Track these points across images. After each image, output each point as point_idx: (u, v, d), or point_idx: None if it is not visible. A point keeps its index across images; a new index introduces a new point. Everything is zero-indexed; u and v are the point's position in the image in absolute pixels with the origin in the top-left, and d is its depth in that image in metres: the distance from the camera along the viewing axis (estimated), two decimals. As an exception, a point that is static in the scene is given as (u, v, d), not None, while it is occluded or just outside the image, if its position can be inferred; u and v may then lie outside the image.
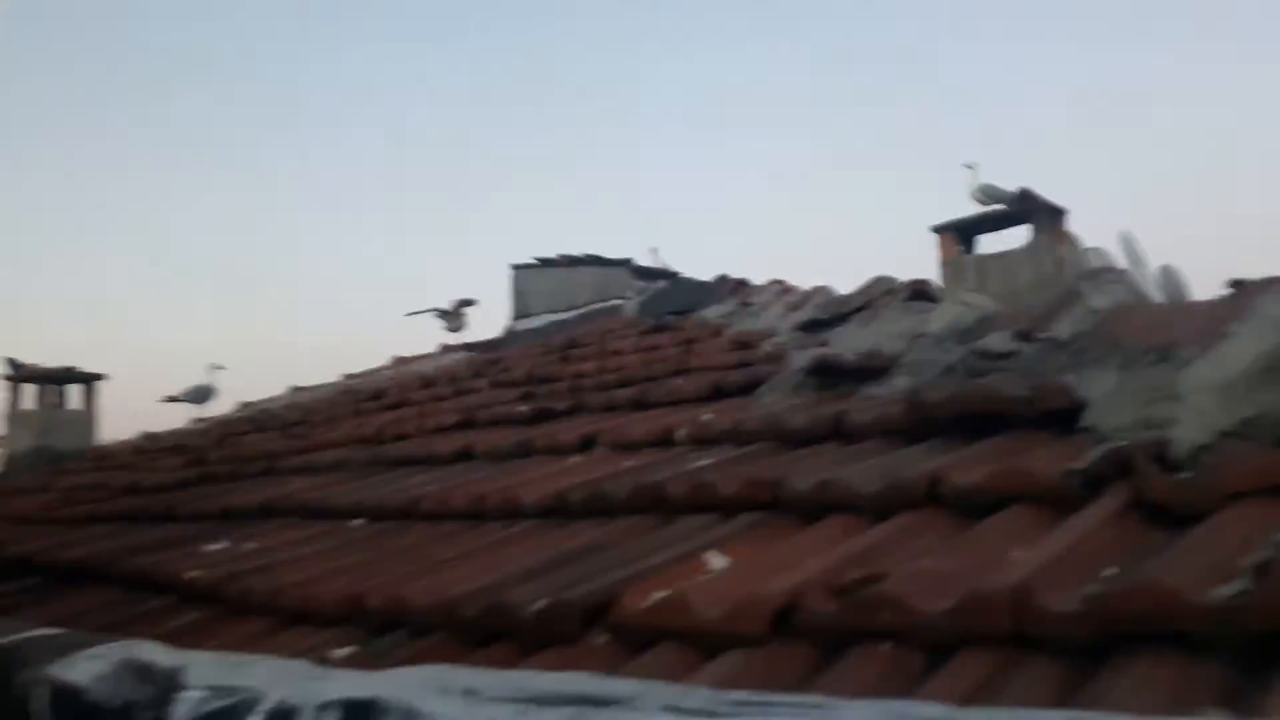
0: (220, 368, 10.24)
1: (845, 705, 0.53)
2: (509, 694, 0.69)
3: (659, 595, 1.75)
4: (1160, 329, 2.02)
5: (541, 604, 1.80)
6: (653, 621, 1.70)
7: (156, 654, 0.99)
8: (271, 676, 0.84)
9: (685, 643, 1.64)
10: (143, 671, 0.94)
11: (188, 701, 0.86)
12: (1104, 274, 2.42)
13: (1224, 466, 1.51)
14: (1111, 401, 1.89)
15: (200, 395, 10.10)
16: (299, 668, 0.92)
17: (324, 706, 0.74)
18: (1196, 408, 1.72)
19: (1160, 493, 1.53)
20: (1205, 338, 1.90)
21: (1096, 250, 9.30)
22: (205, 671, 0.91)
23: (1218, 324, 1.93)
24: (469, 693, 0.72)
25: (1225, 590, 1.16)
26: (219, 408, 9.84)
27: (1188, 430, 1.68)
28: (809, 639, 1.53)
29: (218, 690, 0.84)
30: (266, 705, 0.78)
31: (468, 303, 9.23)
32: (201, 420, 9.47)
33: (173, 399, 9.64)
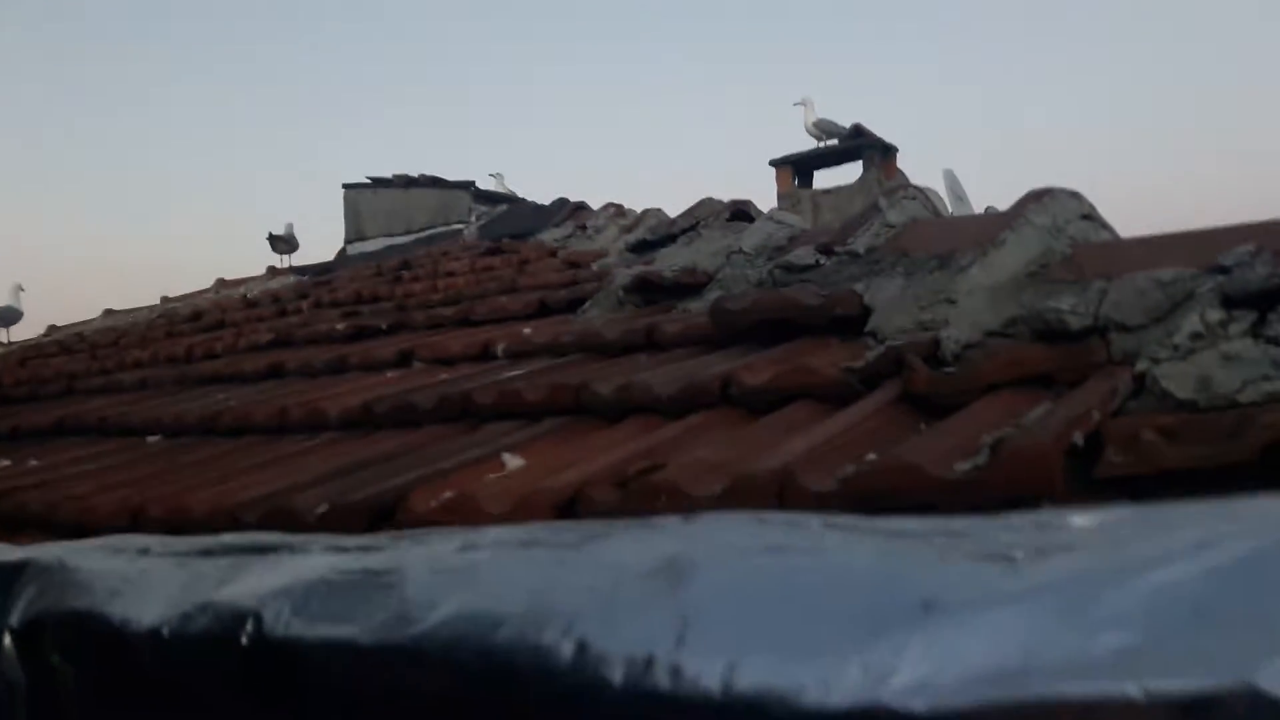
0: (23, 289, 9.50)
1: (489, 529, 0.51)
2: (180, 550, 0.65)
3: (447, 495, 1.72)
4: (944, 240, 2.10)
5: (324, 507, 1.74)
6: (439, 519, 1.66)
7: None
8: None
9: (470, 540, 1.62)
10: None
11: None
12: (901, 191, 2.50)
13: (981, 361, 1.59)
14: (893, 306, 1.97)
15: (4, 317, 9.35)
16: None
17: (-22, 571, 0.67)
18: (966, 310, 1.81)
19: (924, 385, 1.60)
20: (980, 247, 1.99)
21: (923, 186, 9.73)
22: None
23: (994, 233, 2.02)
24: (141, 551, 0.67)
25: (963, 465, 1.23)
26: (25, 331, 9.14)
27: (957, 330, 1.76)
28: (590, 530, 1.54)
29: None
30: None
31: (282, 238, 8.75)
32: (3, 344, 8.77)
33: (-33, 319, 8.88)
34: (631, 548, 0.43)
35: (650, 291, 3.23)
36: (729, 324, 2.30)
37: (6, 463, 3.12)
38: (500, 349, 3.07)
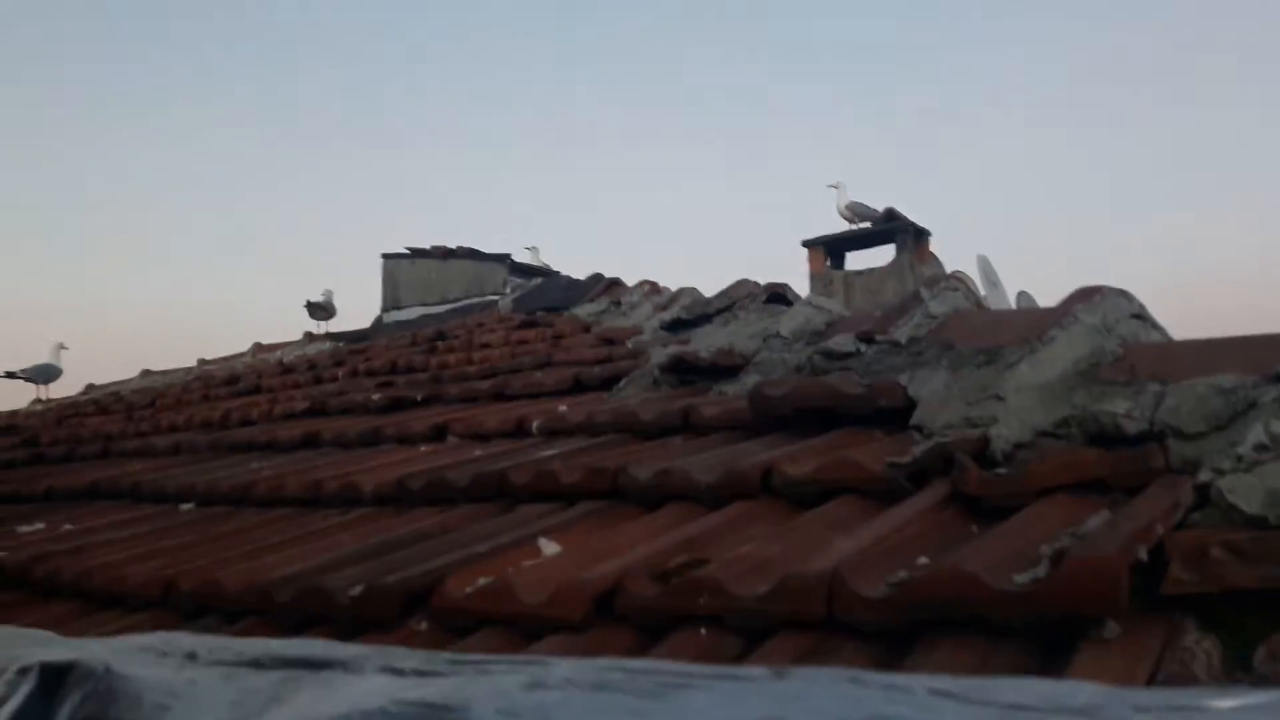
0: (65, 347, 9.66)
1: (557, 662, 0.49)
2: (228, 658, 0.63)
3: (483, 581, 1.69)
4: (989, 333, 2.08)
5: (359, 589, 1.72)
6: (474, 607, 1.64)
7: None
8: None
9: (507, 628, 1.59)
10: None
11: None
12: (943, 282, 2.49)
13: (1035, 463, 1.55)
14: (939, 400, 1.94)
15: (43, 374, 9.50)
16: (26, 634, 0.82)
17: (23, 670, 0.66)
18: (1016, 408, 1.77)
19: (975, 487, 1.57)
20: (1028, 343, 1.96)
21: (957, 271, 9.72)
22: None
23: (1041, 330, 1.99)
24: (189, 656, 0.65)
25: (1023, 576, 1.19)
26: (64, 389, 9.28)
27: (1007, 428, 1.73)
28: (630, 623, 1.50)
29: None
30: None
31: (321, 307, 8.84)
32: (42, 401, 8.90)
33: (11, 375, 9.02)
34: (718, 705, 0.41)
35: (686, 372, 3.22)
36: (768, 410, 2.28)
37: (40, 526, 3.13)
38: (535, 426, 3.05)
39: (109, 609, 2.18)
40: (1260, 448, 1.35)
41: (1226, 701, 0.34)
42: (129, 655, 0.65)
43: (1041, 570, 1.18)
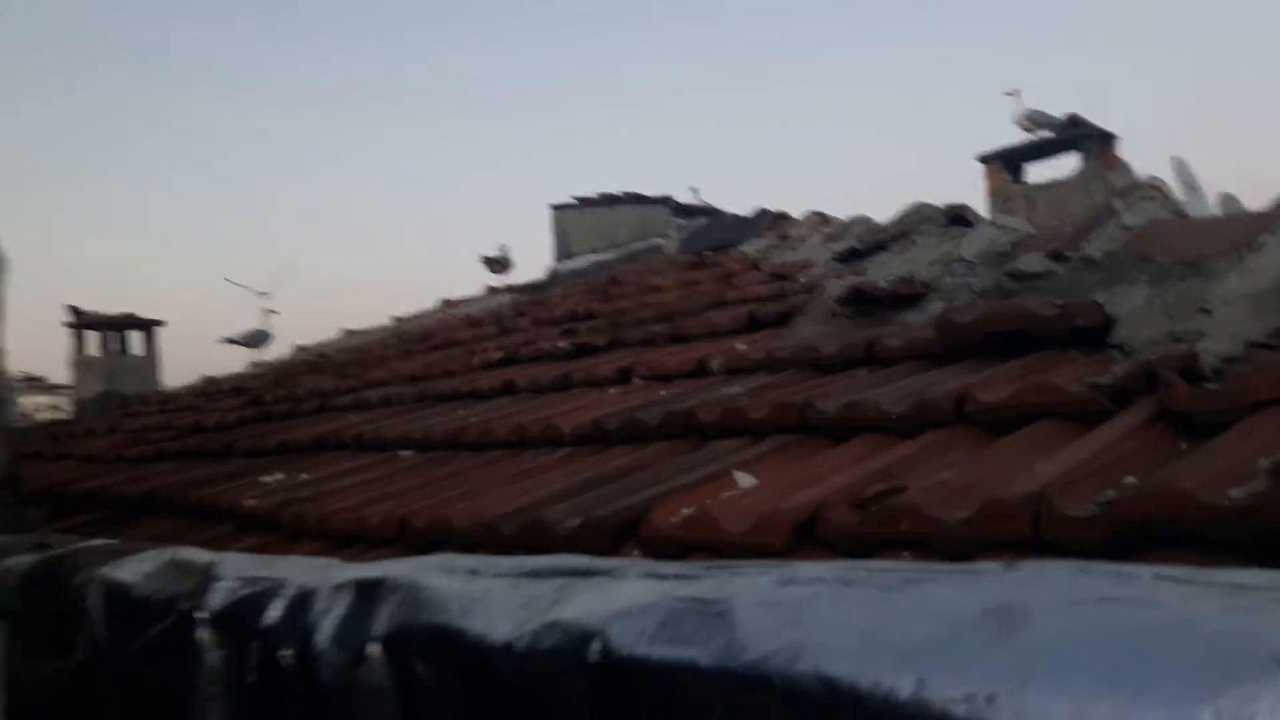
0: (274, 311, 10.49)
1: (804, 564, 0.56)
2: (507, 571, 0.74)
3: (687, 511, 1.80)
4: (1192, 243, 1.98)
5: (575, 522, 1.86)
6: (681, 535, 1.74)
7: (196, 554, 1.06)
8: (295, 568, 0.90)
9: (712, 555, 1.68)
10: (183, 567, 1.01)
11: (221, 591, 0.92)
12: (1138, 190, 2.37)
13: (1249, 376, 1.50)
14: (1140, 316, 1.88)
15: (257, 339, 10.38)
16: (322, 562, 0.97)
17: (339, 587, 0.79)
18: (1225, 320, 1.70)
19: (1184, 403, 1.53)
20: (1236, 251, 1.86)
21: (1150, 177, 9.04)
22: (238, 565, 0.97)
23: (1250, 237, 1.89)
24: (472, 572, 0.76)
25: (1240, 491, 1.17)
26: (275, 351, 10.11)
27: (1216, 342, 1.67)
28: (830, 549, 1.56)
29: (247, 580, 0.90)
30: (289, 590, 0.83)
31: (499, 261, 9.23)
32: (259, 363, 9.73)
33: (230, 341, 9.91)
34: (959, 592, 0.47)
35: (865, 303, 3.20)
36: (957, 337, 2.26)
37: (280, 476, 3.49)
38: (715, 365, 3.13)
39: (350, 547, 2.43)
40: None
41: None
42: (425, 572, 0.77)
43: (1260, 483, 1.16)
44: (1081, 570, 0.45)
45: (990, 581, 0.47)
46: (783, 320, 3.54)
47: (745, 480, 1.96)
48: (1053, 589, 0.44)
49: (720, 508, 1.76)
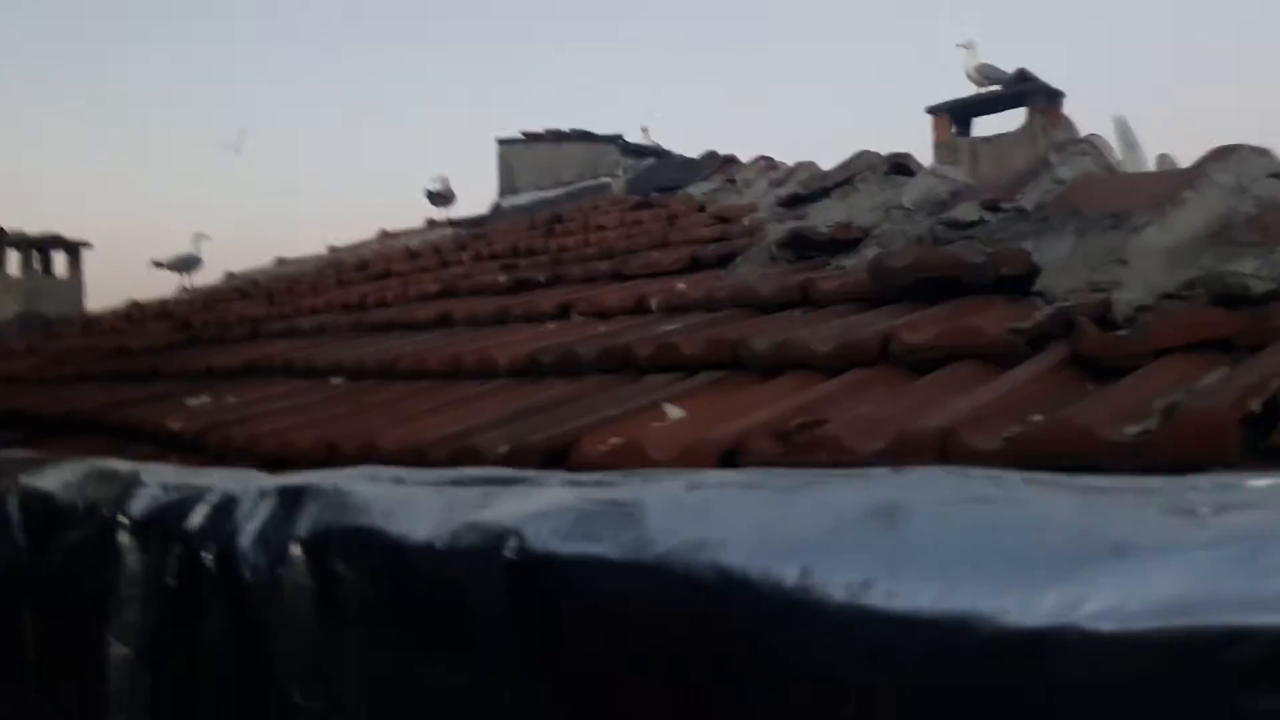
0: (205, 237, 10.22)
1: (712, 471, 0.59)
2: (432, 480, 0.76)
3: (615, 440, 1.83)
4: (1118, 198, 2.05)
5: (505, 448, 1.88)
6: (608, 463, 1.77)
7: (119, 464, 1.05)
8: (220, 477, 0.91)
9: (638, 484, 1.72)
10: (105, 475, 1.01)
11: (143, 497, 0.93)
12: (1073, 146, 2.43)
13: (1155, 324, 1.57)
14: (1063, 266, 1.94)
15: (186, 264, 10.11)
16: (247, 473, 0.98)
17: (262, 493, 0.80)
18: (1140, 271, 1.77)
19: (1093, 348, 1.59)
20: (1159, 206, 1.93)
21: (1092, 135, 9.21)
22: (162, 474, 0.97)
23: (1173, 193, 1.96)
24: (397, 480, 0.78)
25: (1134, 428, 1.24)
26: (205, 277, 9.88)
27: (1130, 292, 1.73)
28: (753, 479, 1.61)
29: (170, 488, 0.90)
30: (212, 497, 0.84)
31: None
32: (188, 289, 9.50)
33: (159, 265, 9.65)
34: (848, 492, 0.50)
35: (804, 247, 3.24)
36: (888, 281, 2.32)
37: (207, 399, 3.44)
38: (654, 303, 3.16)
39: (278, 469, 2.43)
40: (1392, 304, 1.34)
41: (1261, 481, 0.41)
42: (349, 480, 0.79)
43: (1153, 423, 1.22)
44: (962, 474, 0.49)
45: (878, 483, 0.50)
46: (724, 262, 3.57)
47: (675, 412, 2.00)
48: (933, 490, 0.47)
49: (649, 437, 1.79)
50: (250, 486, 0.83)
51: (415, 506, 0.68)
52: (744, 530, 0.51)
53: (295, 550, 0.73)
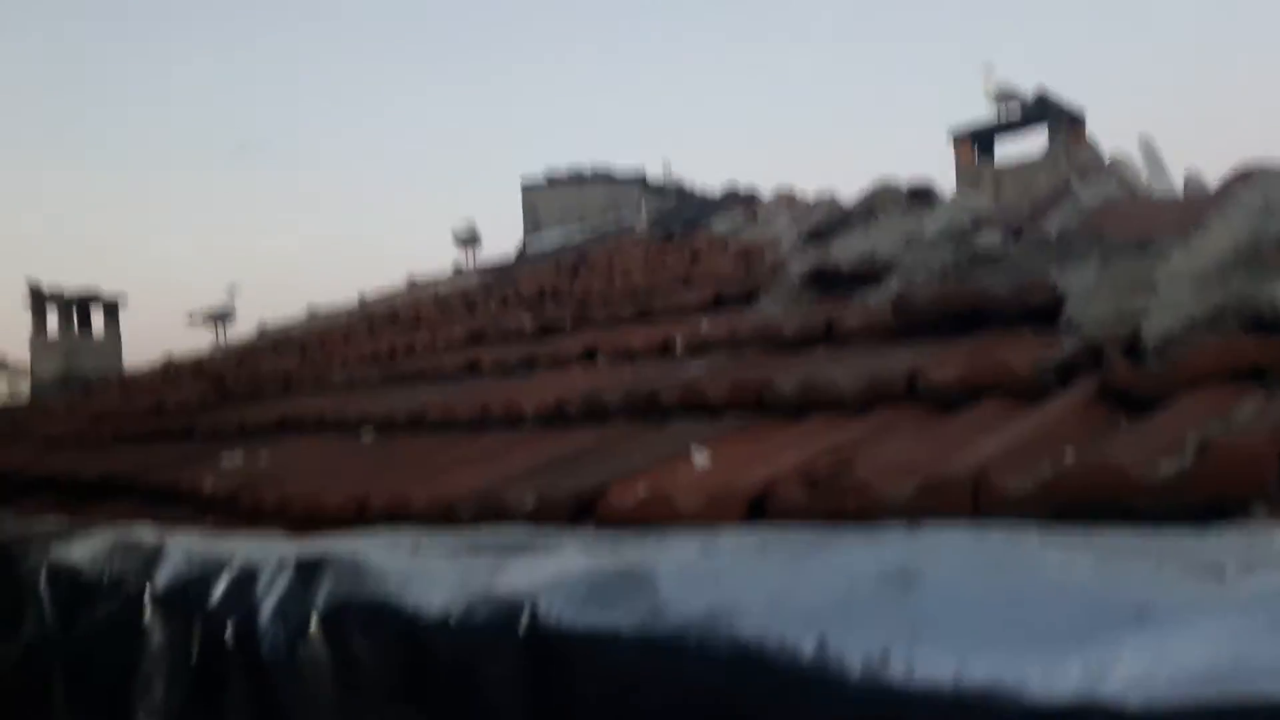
0: (238, 287, 10.39)
1: (727, 532, 0.58)
2: (449, 546, 0.75)
3: (642, 490, 1.82)
4: (1143, 223, 2.02)
5: (532, 502, 1.87)
6: (637, 514, 1.76)
7: (145, 534, 1.06)
8: (241, 545, 0.91)
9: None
10: (130, 548, 1.01)
11: (168, 569, 0.93)
12: (1096, 171, 2.41)
13: (1185, 354, 1.54)
14: (1090, 295, 1.91)
15: (221, 316, 10.27)
16: (271, 540, 0.98)
17: (281, 565, 0.80)
18: (1169, 298, 1.74)
19: (1124, 380, 1.57)
20: (1184, 230, 1.90)
21: (1117, 155, 9.15)
22: (185, 544, 0.98)
23: (1197, 217, 1.93)
24: (414, 547, 0.78)
25: (1167, 466, 1.20)
26: (239, 327, 10.02)
27: (1158, 320, 1.70)
28: (782, 525, 1.59)
29: (193, 558, 0.91)
30: (233, 568, 0.84)
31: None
32: (222, 344, 9.64)
33: (194, 318, 9.81)
34: (862, 555, 0.49)
35: (827, 282, 3.23)
36: (913, 316, 2.30)
37: (240, 458, 3.47)
38: (680, 343, 3.15)
39: (309, 528, 2.43)
40: None
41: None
42: (367, 549, 0.79)
43: (1187, 460, 1.19)
44: (977, 535, 0.48)
45: (892, 545, 0.49)
46: (748, 299, 3.57)
47: (702, 459, 1.98)
48: (948, 552, 0.46)
49: (676, 487, 1.78)
50: (270, 557, 0.82)
51: (431, 577, 0.68)
52: (759, 598, 0.50)
53: (313, 624, 0.73)
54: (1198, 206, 2.00)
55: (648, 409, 2.47)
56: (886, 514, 1.46)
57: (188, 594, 0.88)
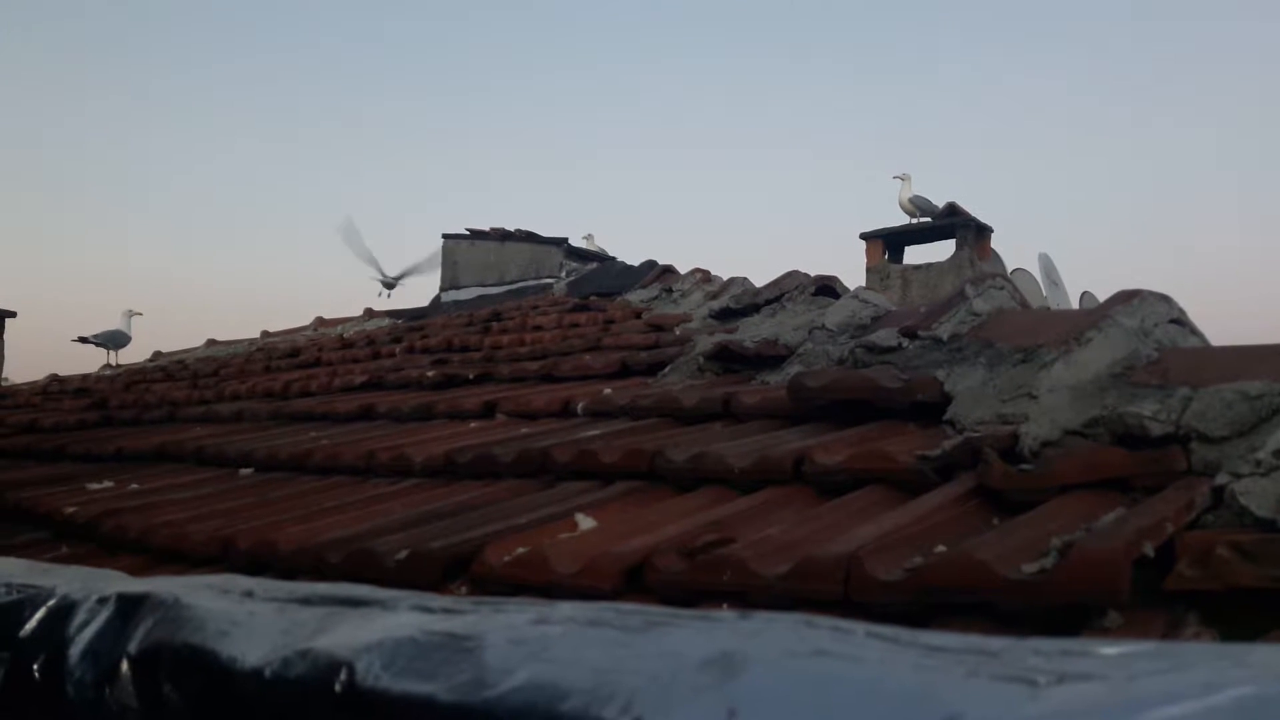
0: (136, 314, 10.01)
1: (563, 604, 0.56)
2: (281, 596, 0.71)
3: (520, 550, 1.78)
4: (1029, 333, 2.10)
5: (404, 553, 1.82)
6: (511, 574, 1.72)
7: (-33, 557, 0.98)
8: (67, 577, 0.85)
9: (540, 595, 1.67)
10: (-54, 569, 0.94)
11: (-19, 596, 0.86)
12: (989, 280, 2.51)
13: (1059, 460, 1.59)
14: (974, 396, 1.97)
15: (113, 340, 9.85)
16: (103, 574, 0.92)
17: (102, 600, 0.75)
18: (1047, 407, 1.80)
19: (999, 481, 1.61)
20: (1065, 343, 1.98)
21: (1019, 269, 9.59)
22: (8, 571, 0.91)
23: (1079, 331, 2.02)
24: (246, 593, 0.73)
25: (1030, 566, 1.23)
26: (133, 354, 9.62)
27: (1037, 426, 1.76)
28: (656, 595, 1.57)
29: (14, 587, 0.84)
30: (52, 600, 0.78)
31: None
32: (112, 366, 9.24)
33: (84, 340, 9.39)
34: (691, 638, 0.48)
35: (730, 360, 3.27)
36: (807, 399, 2.33)
37: (110, 484, 3.30)
38: (580, 407, 3.14)
39: (171, 564, 2.32)
40: (1279, 453, 1.37)
41: (1112, 649, 0.39)
42: (195, 590, 0.74)
43: (1049, 561, 1.22)
44: (806, 624, 0.47)
45: (720, 630, 0.48)
46: (654, 370, 3.58)
47: (586, 522, 1.96)
48: (774, 640, 0.45)
49: (555, 548, 1.74)
50: (92, 591, 0.77)
51: (254, 627, 0.64)
52: (583, 675, 0.48)
53: (124, 666, 0.68)
54: (1080, 322, 2.09)
55: (539, 469, 2.44)
56: (759, 592, 1.46)
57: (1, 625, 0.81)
